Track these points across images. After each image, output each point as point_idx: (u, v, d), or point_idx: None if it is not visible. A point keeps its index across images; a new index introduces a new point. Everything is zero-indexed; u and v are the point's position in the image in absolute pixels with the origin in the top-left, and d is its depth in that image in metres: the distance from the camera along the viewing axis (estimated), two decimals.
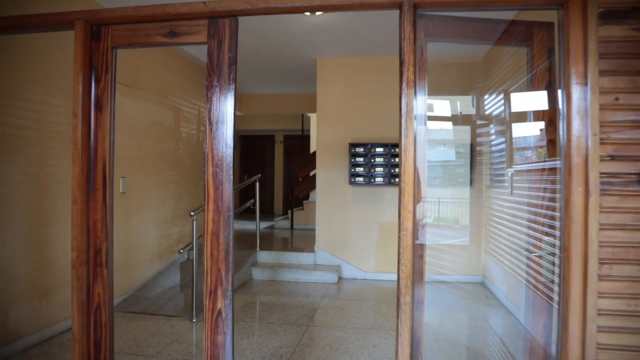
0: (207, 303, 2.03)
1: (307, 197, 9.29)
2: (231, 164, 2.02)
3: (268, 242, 6.96)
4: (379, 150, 5.69)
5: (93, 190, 2.19)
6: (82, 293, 2.17)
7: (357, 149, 5.72)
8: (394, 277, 6.06)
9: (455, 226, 5.98)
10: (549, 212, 2.03)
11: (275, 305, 4.63)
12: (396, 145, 5.66)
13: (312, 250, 6.05)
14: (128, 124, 4.62)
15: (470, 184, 5.71)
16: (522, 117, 4.19)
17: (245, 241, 6.97)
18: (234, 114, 2.04)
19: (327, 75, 5.99)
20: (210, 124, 2.03)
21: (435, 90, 5.62)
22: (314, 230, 6.09)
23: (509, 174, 4.61)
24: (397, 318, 1.86)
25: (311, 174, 9.20)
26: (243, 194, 11.52)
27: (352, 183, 5.76)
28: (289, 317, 4.25)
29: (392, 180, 5.67)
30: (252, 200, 6.19)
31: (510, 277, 4.49)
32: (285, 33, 4.97)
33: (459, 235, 5.84)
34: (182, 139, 5.90)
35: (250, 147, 12.48)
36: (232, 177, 2.02)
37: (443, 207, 5.84)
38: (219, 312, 2.02)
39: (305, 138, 10.73)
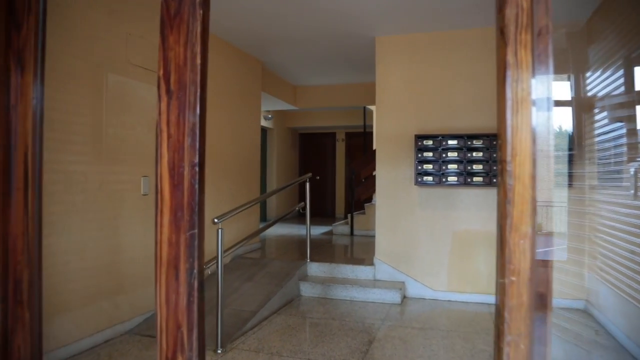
0: None
1: (369, 199, 8.37)
2: (198, 148, 1.19)
3: (321, 251, 6.13)
4: (452, 143, 4.67)
5: (14, 190, 1.46)
6: None
7: (424, 143, 4.74)
8: (471, 298, 5.04)
9: (543, 236, 4.81)
10: None
11: (322, 333, 3.78)
12: (474, 137, 4.61)
13: (371, 263, 5.14)
14: (150, 115, 3.97)
15: (569, 184, 4.54)
16: None
17: (295, 250, 6.19)
18: (205, 63, 1.20)
19: (388, 56, 5.05)
20: (166, 80, 1.21)
21: None
22: (375, 237, 5.18)
23: (632, 170, 3.45)
24: None
25: (374, 173, 8.26)
26: (303, 197, 10.81)
27: (418, 183, 4.78)
28: (337, 351, 3.38)
29: (469, 180, 4.62)
30: (302, 203, 5.38)
31: (633, 308, 3.34)
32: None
33: (550, 248, 4.67)
34: (222, 133, 5.22)
35: (311, 146, 11.76)
36: (199, 168, 1.19)
37: None
38: None
39: (367, 135, 9.81)
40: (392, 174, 5.02)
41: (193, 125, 1.17)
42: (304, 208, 5.33)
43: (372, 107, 9.27)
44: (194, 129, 1.17)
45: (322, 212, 11.36)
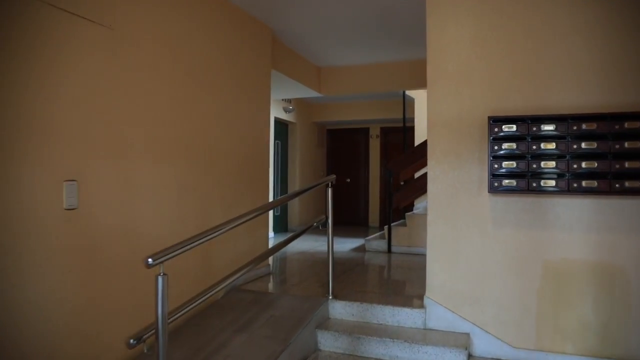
0: None
1: (410, 206, 6.81)
2: None
3: (349, 279, 4.59)
4: (547, 129, 3.08)
5: None
6: None
7: (503, 129, 3.17)
8: None
9: None
10: None
11: None
12: (585, 119, 3.01)
13: (420, 304, 3.59)
14: (85, 86, 2.57)
15: None
16: None
17: (315, 277, 4.67)
18: None
19: (446, 3, 3.50)
20: None
21: None
22: (421, 256, 3.64)
23: None
24: None
25: (416, 175, 6.71)
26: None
27: (494, 189, 3.21)
28: None
29: (575, 185, 3.02)
30: (322, 217, 3.87)
31: None
32: None
33: None
34: (212, 121, 3.77)
35: (340, 143, 10.27)
36: None
37: None
38: None
39: (408, 130, 8.19)
40: (451, 175, 3.46)
41: None
42: (325, 223, 3.83)
43: (414, 95, 7.70)
44: None
45: (354, 221, 9.84)
